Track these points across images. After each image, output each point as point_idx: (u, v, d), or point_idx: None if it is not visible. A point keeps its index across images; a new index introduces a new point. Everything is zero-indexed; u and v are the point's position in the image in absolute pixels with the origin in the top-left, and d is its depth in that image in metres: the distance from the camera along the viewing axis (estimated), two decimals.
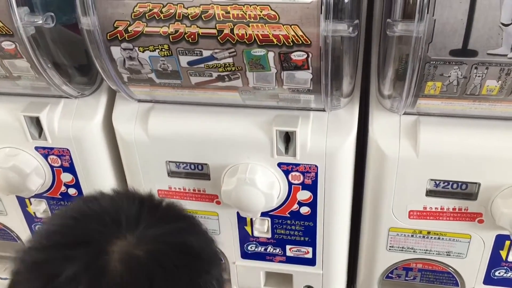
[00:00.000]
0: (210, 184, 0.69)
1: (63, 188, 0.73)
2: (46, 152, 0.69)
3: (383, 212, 0.66)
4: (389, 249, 0.69)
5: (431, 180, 0.62)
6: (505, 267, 0.67)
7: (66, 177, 0.71)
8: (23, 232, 0.80)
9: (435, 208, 0.64)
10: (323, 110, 0.63)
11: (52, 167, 0.70)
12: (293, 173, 0.65)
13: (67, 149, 0.68)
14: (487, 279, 0.69)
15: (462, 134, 0.59)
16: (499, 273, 0.68)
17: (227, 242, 0.74)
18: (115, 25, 0.54)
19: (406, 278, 0.72)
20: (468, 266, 0.68)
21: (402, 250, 0.69)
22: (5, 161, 0.67)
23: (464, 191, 0.62)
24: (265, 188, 0.64)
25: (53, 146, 0.68)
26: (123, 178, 0.72)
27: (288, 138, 0.64)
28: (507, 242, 0.65)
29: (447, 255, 0.68)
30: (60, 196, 0.74)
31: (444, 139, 0.59)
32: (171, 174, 0.69)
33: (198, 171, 0.68)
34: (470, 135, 0.59)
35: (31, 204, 0.75)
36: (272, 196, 0.64)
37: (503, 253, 0.66)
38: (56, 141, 0.68)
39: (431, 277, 0.71)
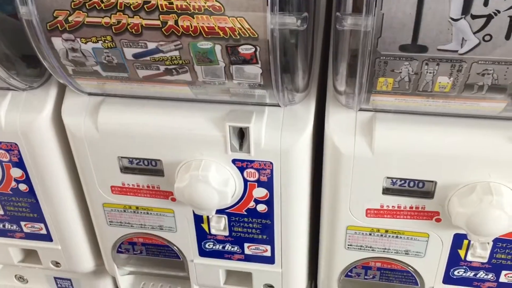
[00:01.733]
0: (164, 180, 0.67)
1: (13, 184, 0.70)
2: None
3: (340, 210, 0.64)
4: (348, 247, 0.68)
5: (387, 178, 0.61)
6: (464, 267, 0.66)
7: (16, 172, 0.69)
8: None
9: (392, 206, 0.63)
10: (279, 106, 0.61)
11: (0, 162, 0.68)
12: (248, 170, 0.64)
13: (15, 144, 0.66)
14: (446, 278, 0.68)
15: (418, 131, 0.58)
16: (458, 272, 0.67)
17: (184, 240, 0.73)
18: (54, 15, 0.51)
19: (366, 277, 0.71)
20: (427, 265, 0.67)
21: (360, 249, 0.68)
22: None
23: (420, 189, 0.61)
24: (219, 185, 0.62)
25: (0, 140, 0.66)
26: (75, 173, 0.70)
27: (242, 134, 0.62)
28: (465, 242, 0.64)
29: (405, 254, 0.67)
30: (11, 192, 0.71)
31: (399, 136, 0.58)
32: (124, 170, 0.67)
33: (152, 167, 0.66)
34: (427, 133, 0.58)
35: None
36: (226, 194, 0.63)
37: (461, 252, 0.65)
38: (3, 135, 0.65)
39: (390, 276, 0.70)
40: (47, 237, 0.76)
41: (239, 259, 0.74)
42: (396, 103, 0.55)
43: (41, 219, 0.74)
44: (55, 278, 0.88)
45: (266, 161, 0.62)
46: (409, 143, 0.58)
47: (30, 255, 0.81)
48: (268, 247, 0.71)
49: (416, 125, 0.58)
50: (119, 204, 0.71)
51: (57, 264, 0.79)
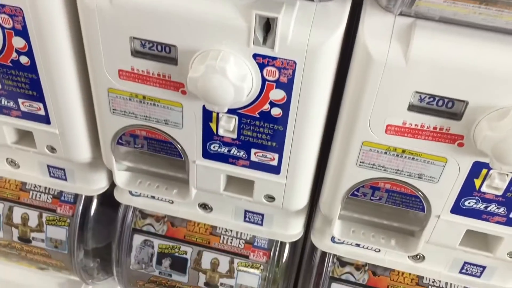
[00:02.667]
0: (177, 69, 0.62)
1: (14, 55, 0.65)
2: None
3: (359, 123, 0.61)
4: (359, 164, 0.65)
5: (417, 93, 0.57)
6: (476, 197, 0.64)
7: (18, 42, 0.64)
8: None
9: (415, 125, 0.59)
10: (312, 0, 0.56)
11: (3, 28, 0.63)
12: (269, 68, 0.59)
13: (20, 8, 0.60)
14: (455, 208, 0.66)
15: (459, 44, 0.54)
16: (468, 203, 0.65)
17: (189, 138, 0.69)
18: None
19: (372, 198, 0.69)
20: (438, 192, 0.65)
21: (372, 168, 0.65)
22: None
23: (449, 109, 0.57)
24: (236, 79, 0.58)
25: (4, 3, 0.60)
26: (82, 52, 0.65)
27: (268, 28, 0.57)
28: (484, 171, 0.61)
29: (418, 177, 0.64)
30: (10, 64, 0.66)
31: (439, 47, 0.54)
32: (135, 53, 0.62)
33: (165, 54, 0.62)
34: (468, 47, 0.54)
35: None
36: (242, 90, 0.59)
37: (477, 182, 0.63)
38: None
39: (397, 200, 0.68)
40: (45, 119, 0.72)
41: (243, 165, 0.71)
42: (444, 6, 0.50)
43: (40, 98, 0.70)
44: (48, 166, 0.85)
45: (289, 60, 0.58)
46: (448, 56, 0.54)
47: (25, 138, 0.78)
48: (276, 156, 0.68)
49: (458, 38, 0.54)
50: (125, 91, 0.66)
51: (52, 149, 0.76)
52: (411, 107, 0.58)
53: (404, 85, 0.56)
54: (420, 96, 0.57)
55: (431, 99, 0.57)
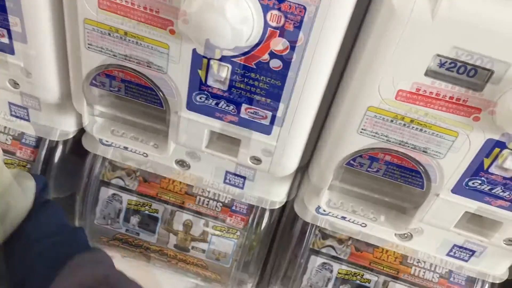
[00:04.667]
0: (166, 4, 0.54)
1: None
2: None
3: (366, 85, 0.55)
4: (360, 132, 0.59)
5: (438, 56, 0.50)
6: (483, 178, 0.59)
7: None
8: None
9: (430, 92, 0.53)
10: None
11: None
12: (273, 12, 0.52)
13: None
14: (458, 188, 0.61)
15: (496, 2, 0.47)
16: (473, 183, 0.60)
17: (173, 86, 0.61)
18: None
19: (369, 169, 0.63)
20: (442, 168, 0.59)
21: (374, 136, 0.59)
22: None
23: (470, 78, 0.51)
24: (235, 20, 0.50)
25: None
26: None
27: None
28: (496, 150, 0.56)
29: (423, 151, 0.59)
30: None
31: (472, 4, 0.47)
32: None
33: None
34: (504, 8, 0.47)
35: None
36: (241, 34, 0.51)
37: (486, 162, 0.57)
38: None
39: (396, 173, 0.63)
40: (9, 49, 0.63)
41: (231, 121, 0.63)
42: None
43: (4, 23, 0.60)
44: (9, 103, 0.75)
45: (298, 4, 0.50)
46: (481, 16, 0.47)
47: None
48: (269, 114, 0.61)
49: None
50: (104, 24, 0.58)
51: (15, 84, 0.67)
52: (429, 72, 0.52)
53: (426, 46, 0.50)
54: (440, 60, 0.51)
55: (452, 64, 0.51)
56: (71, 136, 0.79)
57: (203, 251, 0.82)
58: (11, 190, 0.54)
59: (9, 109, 0.76)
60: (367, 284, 0.79)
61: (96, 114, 0.71)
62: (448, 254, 0.75)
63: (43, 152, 0.80)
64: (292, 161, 0.68)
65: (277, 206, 0.78)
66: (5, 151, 0.81)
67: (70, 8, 0.58)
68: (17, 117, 0.77)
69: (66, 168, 0.82)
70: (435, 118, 0.55)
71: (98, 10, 0.56)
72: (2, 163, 0.54)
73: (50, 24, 0.61)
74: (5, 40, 0.62)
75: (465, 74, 0.51)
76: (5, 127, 0.80)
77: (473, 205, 0.62)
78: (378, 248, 0.78)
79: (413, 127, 0.57)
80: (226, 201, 0.80)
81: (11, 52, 0.63)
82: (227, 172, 0.76)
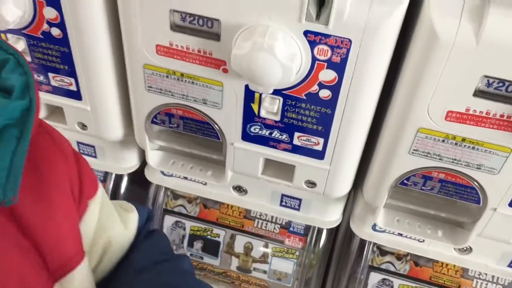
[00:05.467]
0: (219, 46, 0.58)
1: (45, 27, 0.61)
2: None
3: (416, 108, 0.56)
4: (412, 153, 0.60)
5: (485, 77, 0.51)
6: None
7: (50, 13, 0.60)
8: None
9: (480, 112, 0.54)
10: None
11: None
12: (321, 46, 0.54)
13: None
14: None
15: None
16: None
17: (229, 119, 0.65)
18: None
19: (423, 188, 0.64)
20: (498, 183, 0.60)
21: (426, 156, 0.60)
22: None
23: None
24: (284, 58, 0.53)
25: None
26: (117, 25, 0.61)
27: (322, 2, 0.52)
28: None
29: (477, 168, 0.59)
30: (41, 36, 0.62)
31: None
32: (175, 27, 0.57)
33: (207, 28, 0.57)
34: None
35: (7, 39, 0.64)
36: (291, 70, 0.54)
37: None
38: None
39: (451, 190, 0.63)
40: (76, 95, 0.68)
41: (285, 149, 0.66)
42: None
43: (72, 73, 0.66)
44: (78, 143, 0.81)
45: (344, 38, 0.53)
46: None
47: (55, 113, 0.74)
48: (321, 140, 0.64)
49: None
50: (162, 68, 0.62)
51: (83, 126, 0.72)
52: (477, 93, 0.53)
53: (472, 68, 0.51)
54: (488, 80, 0.52)
55: (500, 84, 0.52)
56: (135, 169, 0.84)
57: (265, 272, 0.85)
58: (113, 225, 0.52)
59: (78, 148, 0.82)
60: None
61: (157, 148, 0.76)
62: (509, 266, 0.75)
63: (110, 186, 0.85)
64: (346, 183, 0.70)
65: (333, 226, 0.80)
66: None
67: (131, 55, 0.62)
68: (85, 154, 0.83)
69: (132, 199, 0.87)
70: (486, 135, 0.56)
71: (156, 56, 0.61)
72: (105, 199, 0.53)
73: (113, 71, 0.66)
74: (73, 87, 0.68)
75: None
76: None
77: None
78: (437, 263, 0.79)
79: (465, 145, 0.58)
80: (284, 223, 0.82)
81: (79, 98, 0.69)
82: (283, 195, 0.79)
